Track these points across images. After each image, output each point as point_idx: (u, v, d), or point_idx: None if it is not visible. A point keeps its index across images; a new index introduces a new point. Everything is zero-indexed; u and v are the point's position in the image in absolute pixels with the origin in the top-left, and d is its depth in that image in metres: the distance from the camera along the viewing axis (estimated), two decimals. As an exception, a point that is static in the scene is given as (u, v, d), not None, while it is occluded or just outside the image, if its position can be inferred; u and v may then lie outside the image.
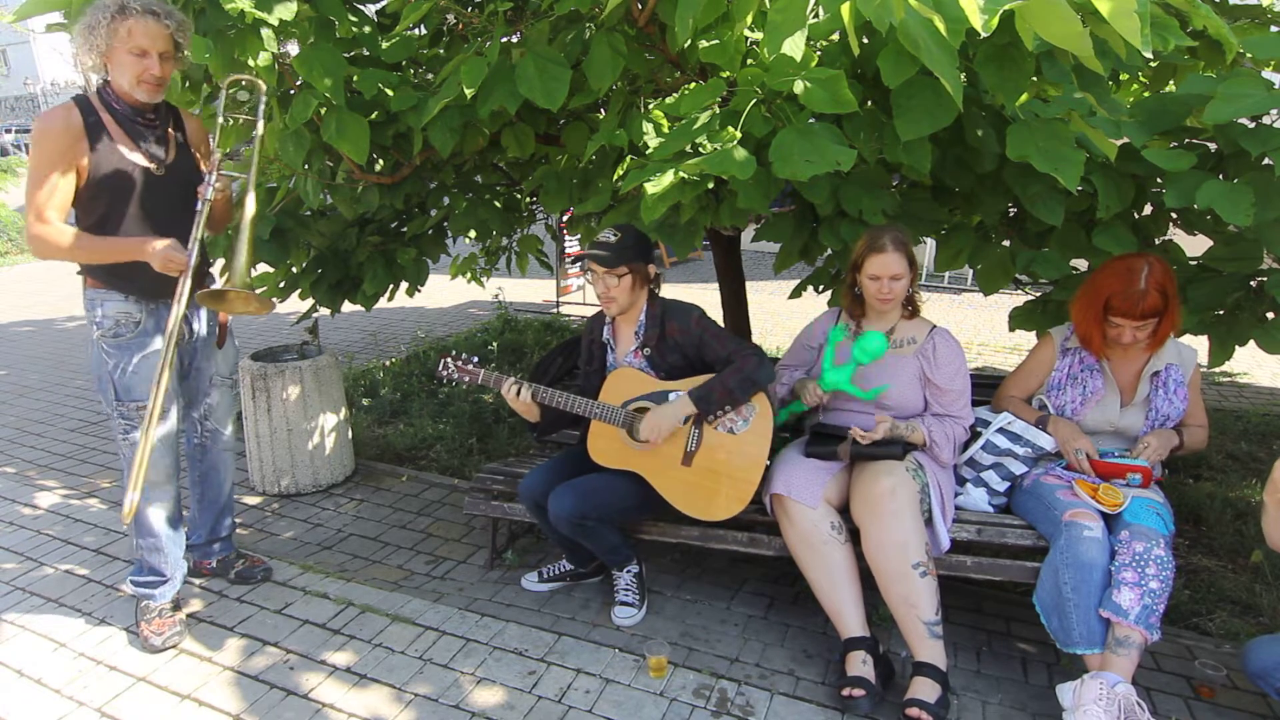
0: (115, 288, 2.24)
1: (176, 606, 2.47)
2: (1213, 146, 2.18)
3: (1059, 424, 2.34)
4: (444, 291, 7.78)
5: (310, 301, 3.81)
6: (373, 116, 2.58)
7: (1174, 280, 2.18)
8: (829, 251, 2.84)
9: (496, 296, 7.16)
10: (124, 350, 2.25)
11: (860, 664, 2.12)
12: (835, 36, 2.12)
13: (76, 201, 2.17)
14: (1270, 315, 2.42)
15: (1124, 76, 2.65)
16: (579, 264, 2.51)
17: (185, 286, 2.12)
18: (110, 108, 2.16)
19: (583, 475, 2.45)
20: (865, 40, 1.96)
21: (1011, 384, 2.51)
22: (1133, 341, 2.22)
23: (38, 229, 2.10)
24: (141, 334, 2.27)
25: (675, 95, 2.16)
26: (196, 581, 2.68)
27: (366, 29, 2.62)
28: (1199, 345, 2.46)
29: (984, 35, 1.41)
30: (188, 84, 2.74)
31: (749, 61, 2.10)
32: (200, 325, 2.42)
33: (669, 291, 2.53)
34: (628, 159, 2.19)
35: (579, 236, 4.75)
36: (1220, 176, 2.06)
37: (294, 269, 3.65)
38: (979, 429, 2.44)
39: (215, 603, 2.58)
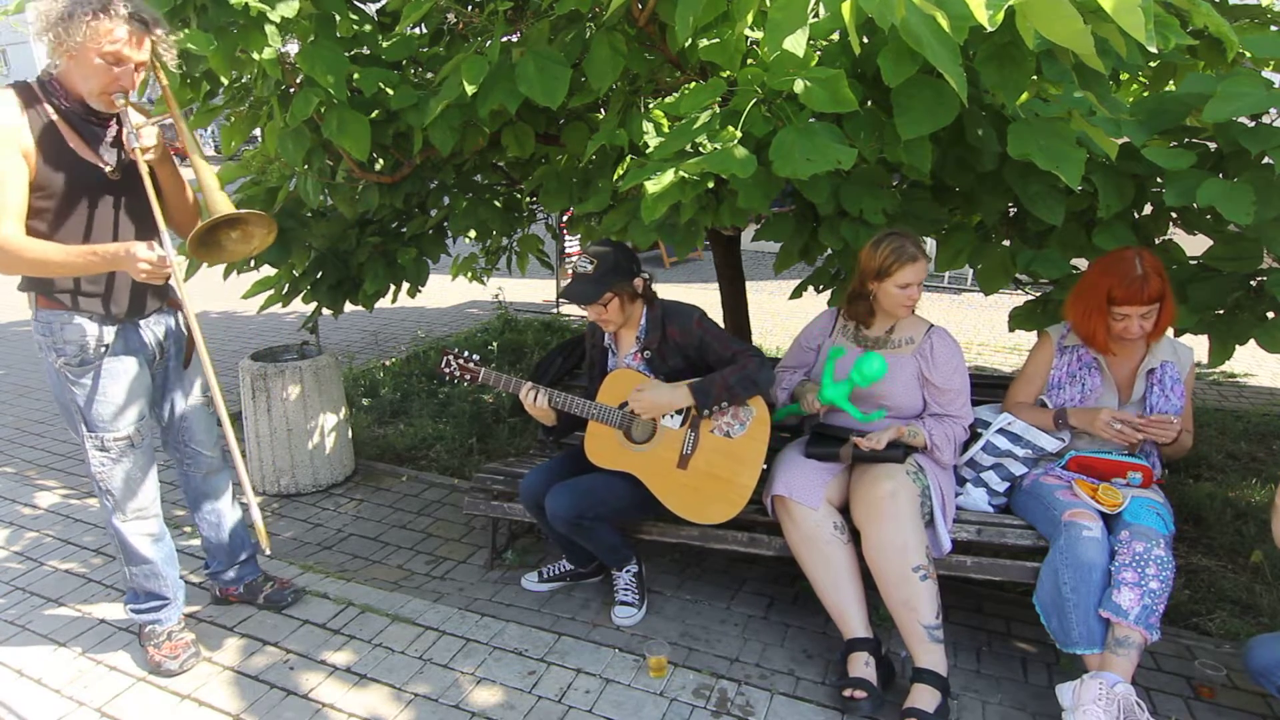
0: (75, 307, 1.97)
1: (183, 625, 2.33)
2: (1213, 146, 2.18)
3: (1077, 414, 2.30)
4: (444, 291, 7.77)
5: (313, 305, 3.80)
6: (373, 115, 2.58)
7: (1164, 267, 2.18)
8: (829, 251, 2.84)
9: (496, 296, 7.15)
10: (91, 378, 2.01)
11: (863, 665, 2.11)
12: (835, 36, 2.12)
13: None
14: (1270, 314, 2.42)
15: (1124, 76, 2.65)
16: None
17: (181, 287, 1.94)
18: (55, 102, 1.88)
19: (583, 475, 2.45)
20: (866, 39, 1.96)
21: (1018, 390, 2.49)
22: (1140, 333, 2.20)
23: (1, 240, 1.80)
24: (110, 356, 2.03)
25: (675, 95, 2.16)
26: (195, 579, 2.68)
27: (367, 27, 2.62)
28: (1199, 345, 2.46)
29: (988, 30, 1.41)
30: (188, 81, 2.73)
31: (749, 61, 2.10)
32: (172, 343, 2.22)
33: (669, 291, 2.53)
34: (628, 159, 2.19)
35: (579, 236, 4.75)
36: (1220, 175, 2.06)
37: (295, 271, 3.65)
38: (979, 429, 2.44)
39: (215, 602, 2.57)
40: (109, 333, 2.04)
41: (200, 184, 2.02)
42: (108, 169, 1.96)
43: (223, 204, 1.99)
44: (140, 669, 2.25)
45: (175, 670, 2.21)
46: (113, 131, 1.97)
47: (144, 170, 1.93)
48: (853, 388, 2.34)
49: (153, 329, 2.17)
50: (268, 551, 2.33)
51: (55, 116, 1.89)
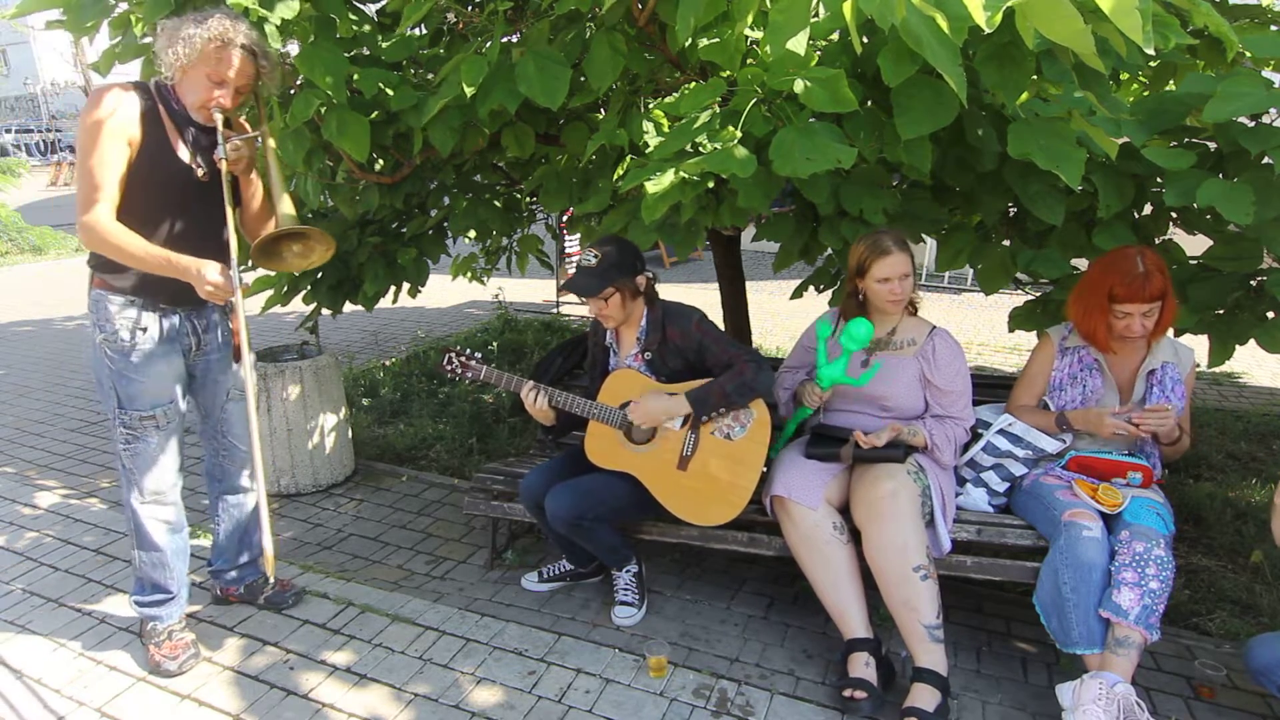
0: (126, 291, 2.11)
1: (184, 624, 2.34)
2: (1213, 145, 2.18)
3: (1078, 416, 2.30)
4: (444, 291, 7.78)
5: (313, 305, 3.80)
6: (373, 116, 2.58)
7: (1166, 266, 2.18)
8: (829, 251, 2.83)
9: (496, 296, 7.16)
10: (129, 357, 2.12)
11: (863, 666, 2.11)
12: (835, 35, 2.12)
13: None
14: (1270, 314, 2.42)
15: (1124, 76, 2.65)
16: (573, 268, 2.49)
17: (240, 308, 2.08)
18: (169, 105, 2.07)
19: (583, 475, 2.45)
20: (866, 39, 1.96)
21: (1020, 392, 2.49)
22: (1141, 332, 2.20)
23: (91, 218, 1.96)
24: (150, 341, 2.15)
25: (675, 95, 2.16)
26: (196, 579, 2.68)
27: (367, 28, 2.62)
28: (1199, 345, 2.46)
29: (987, 31, 1.41)
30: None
31: (749, 61, 2.10)
32: (215, 336, 2.30)
33: (669, 291, 2.53)
34: (628, 158, 2.19)
35: (579, 236, 4.74)
36: (1220, 175, 2.06)
37: (295, 272, 3.64)
38: (980, 430, 2.43)
39: (215, 602, 2.57)
40: (150, 318, 2.15)
41: (273, 197, 2.22)
42: (199, 172, 2.12)
43: (291, 214, 2.19)
44: (140, 669, 2.25)
45: (174, 671, 2.22)
46: (212, 136, 2.12)
47: (225, 180, 2.10)
48: (848, 359, 2.35)
49: (196, 321, 2.25)
50: (271, 580, 2.41)
51: (165, 117, 2.07)
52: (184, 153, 2.09)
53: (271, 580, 2.25)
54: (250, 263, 2.29)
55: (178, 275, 2.02)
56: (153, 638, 2.27)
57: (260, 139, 2.21)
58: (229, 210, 2.09)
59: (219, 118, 2.05)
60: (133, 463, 2.18)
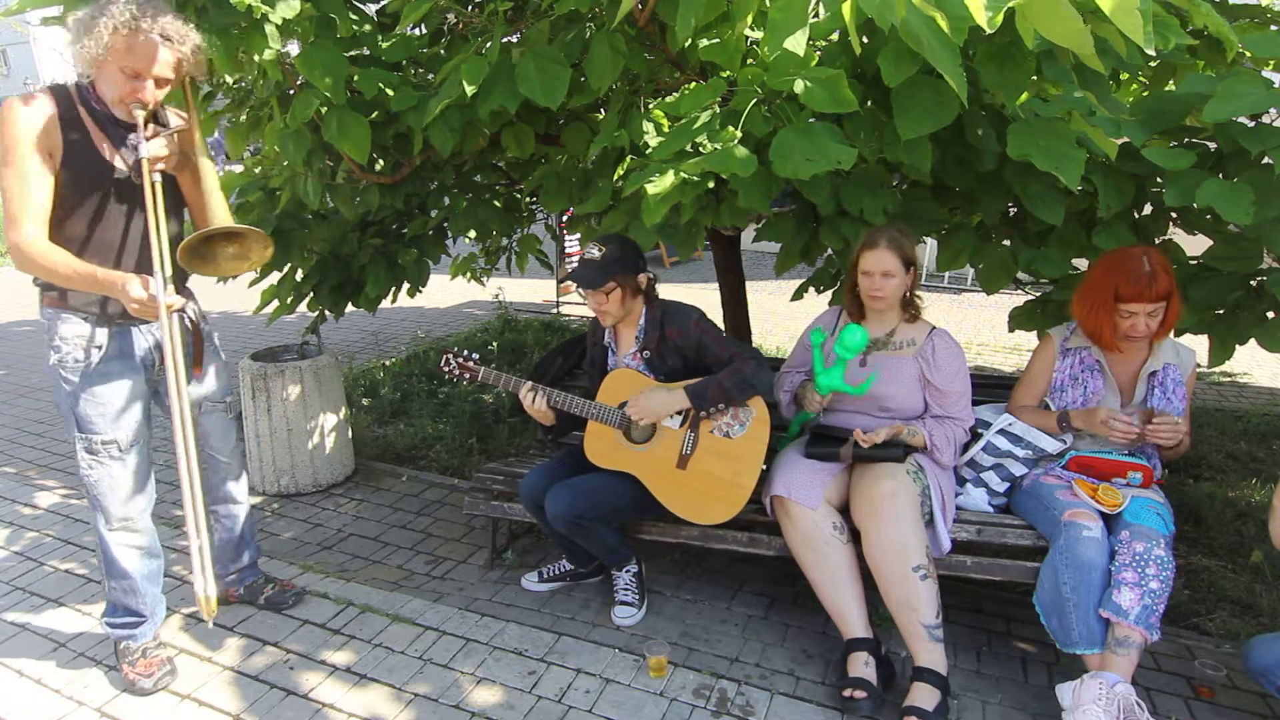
0: (74, 307, 1.99)
1: (159, 642, 2.27)
2: (1213, 145, 2.18)
3: (1079, 415, 2.30)
4: (444, 291, 7.78)
5: (314, 307, 3.80)
6: (373, 116, 2.58)
7: (1170, 266, 2.18)
8: (829, 252, 2.83)
9: (496, 296, 7.16)
10: (84, 378, 2.00)
11: (862, 665, 2.11)
12: (835, 36, 2.12)
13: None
14: (1270, 314, 2.42)
15: (1124, 76, 2.65)
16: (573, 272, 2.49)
17: (167, 328, 1.89)
18: (89, 106, 1.92)
19: (582, 475, 2.45)
20: (866, 39, 1.96)
21: (1021, 392, 2.49)
22: (1146, 332, 2.19)
23: (17, 240, 1.85)
24: (103, 360, 2.02)
25: (675, 95, 2.16)
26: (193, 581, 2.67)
27: (367, 28, 2.62)
28: (1199, 345, 2.46)
29: (988, 31, 1.41)
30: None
31: (749, 61, 2.10)
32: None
33: (669, 291, 2.53)
34: (628, 159, 2.19)
35: (579, 236, 4.74)
36: (1220, 175, 2.06)
37: (297, 275, 3.65)
38: (980, 430, 2.43)
39: (215, 602, 2.57)
40: (103, 334, 2.03)
41: (204, 192, 2.05)
42: (130, 172, 1.97)
43: (223, 215, 2.01)
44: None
45: (149, 689, 2.14)
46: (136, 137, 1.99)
47: (147, 180, 1.93)
48: (844, 365, 2.34)
49: (152, 334, 2.14)
50: (210, 624, 2.32)
51: (87, 119, 1.93)
52: (111, 154, 1.94)
53: (209, 623, 2.17)
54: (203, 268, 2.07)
55: (104, 291, 1.89)
56: (126, 656, 2.20)
57: (189, 130, 2.05)
58: (151, 213, 1.91)
59: (139, 114, 1.89)
60: (97, 489, 2.07)
